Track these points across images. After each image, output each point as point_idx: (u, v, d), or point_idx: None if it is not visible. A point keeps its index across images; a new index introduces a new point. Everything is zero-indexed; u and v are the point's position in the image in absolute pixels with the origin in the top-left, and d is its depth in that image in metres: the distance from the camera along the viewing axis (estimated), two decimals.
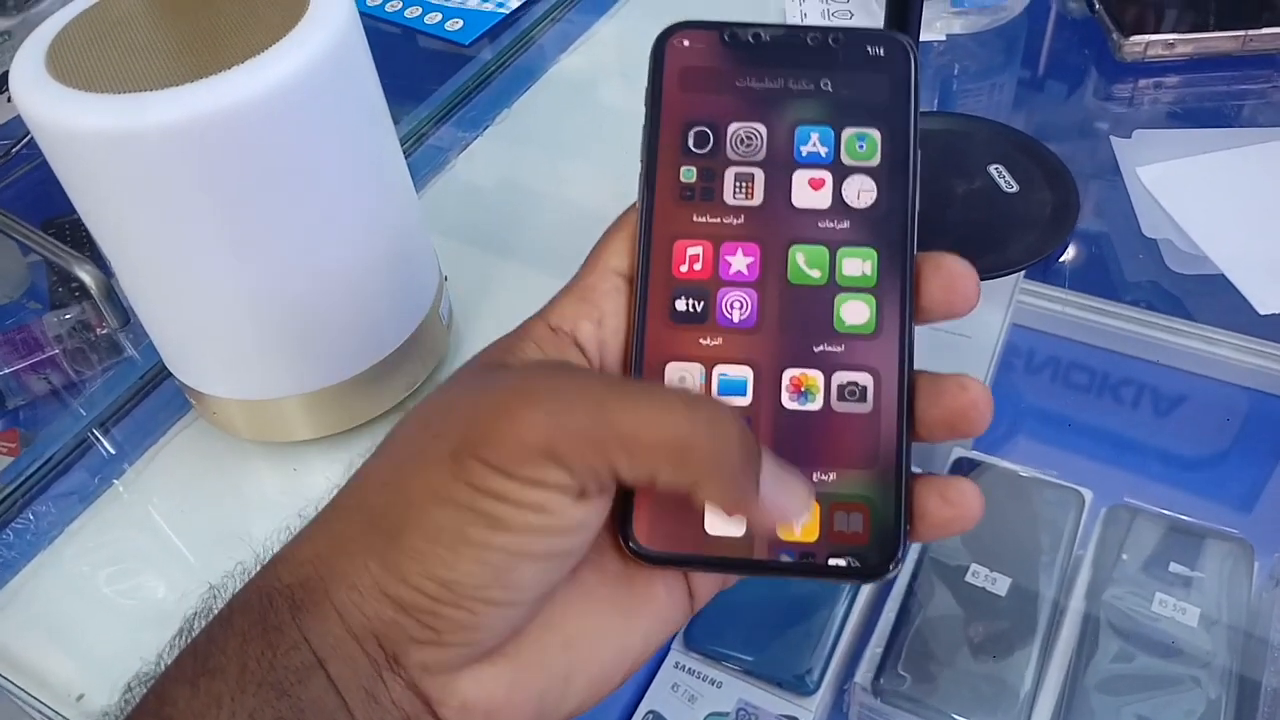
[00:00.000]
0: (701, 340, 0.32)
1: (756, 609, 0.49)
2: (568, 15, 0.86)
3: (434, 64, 0.83)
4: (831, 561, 0.30)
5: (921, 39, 0.55)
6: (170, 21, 0.43)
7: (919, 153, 0.33)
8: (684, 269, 0.32)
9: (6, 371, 0.63)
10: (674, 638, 0.49)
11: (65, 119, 0.40)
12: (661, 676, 0.47)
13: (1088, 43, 0.79)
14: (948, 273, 0.32)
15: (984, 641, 0.46)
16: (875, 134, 0.33)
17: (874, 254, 0.32)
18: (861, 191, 0.32)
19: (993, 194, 0.65)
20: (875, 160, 0.32)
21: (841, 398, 0.31)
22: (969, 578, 0.48)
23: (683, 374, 0.32)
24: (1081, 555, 0.49)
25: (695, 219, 0.32)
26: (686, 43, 0.33)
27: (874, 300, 0.32)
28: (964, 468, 0.51)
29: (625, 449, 0.27)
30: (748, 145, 0.33)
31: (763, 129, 0.33)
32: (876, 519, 0.30)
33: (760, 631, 0.48)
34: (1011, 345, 0.59)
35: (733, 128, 0.33)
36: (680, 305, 0.32)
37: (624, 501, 0.30)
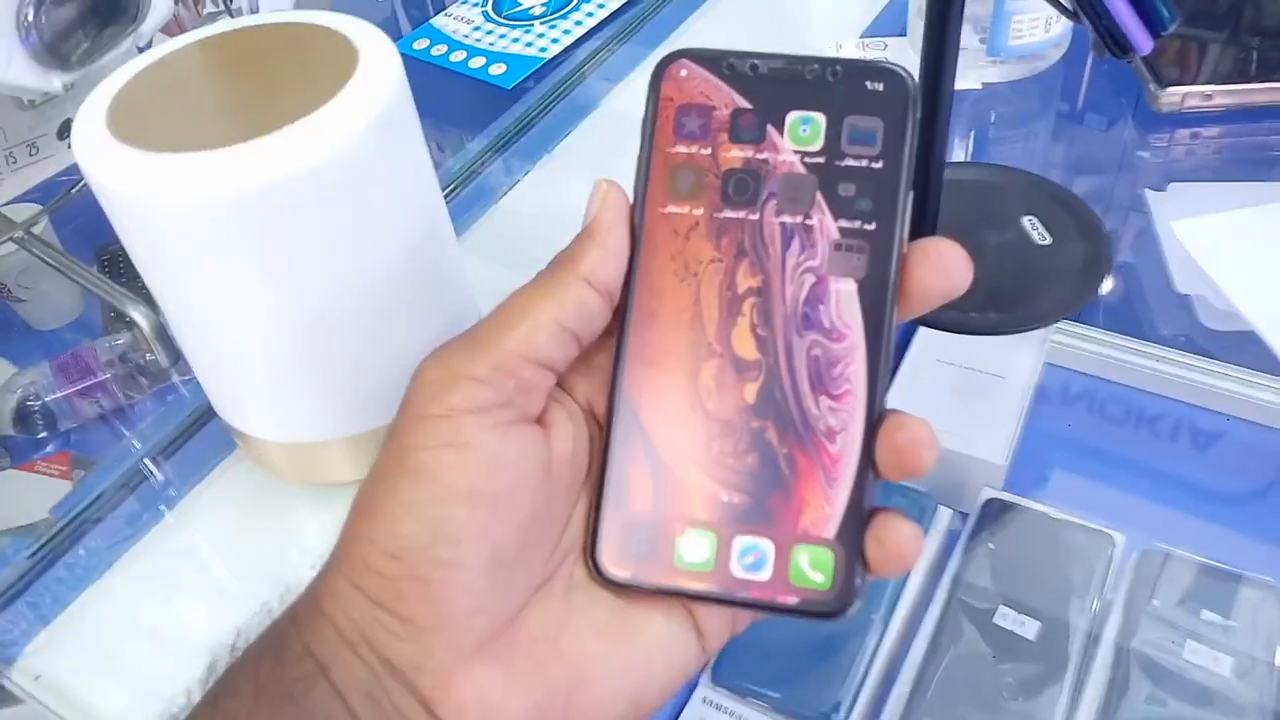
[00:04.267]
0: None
1: (784, 644, 0.48)
2: (619, 50, 0.87)
3: (484, 100, 0.84)
4: (790, 600, 0.31)
5: (958, 87, 0.55)
6: (226, 79, 0.44)
7: (911, 195, 0.32)
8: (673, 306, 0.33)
9: (59, 395, 0.65)
10: (700, 675, 0.49)
11: (122, 181, 0.40)
12: (688, 712, 0.47)
13: (1125, 92, 0.79)
14: (937, 255, 0.32)
15: (1012, 684, 0.46)
16: (867, 174, 0.32)
17: (856, 303, 0.32)
18: (849, 236, 0.32)
19: (1025, 246, 0.65)
20: (866, 205, 0.32)
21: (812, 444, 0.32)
22: (997, 619, 0.47)
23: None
24: (1112, 600, 0.48)
25: (684, 250, 0.33)
26: (684, 72, 0.33)
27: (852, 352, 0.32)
28: (994, 509, 0.51)
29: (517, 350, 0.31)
30: (740, 184, 0.33)
31: (756, 164, 0.33)
32: (836, 558, 0.31)
33: (788, 667, 0.48)
34: (1046, 385, 0.59)
35: (726, 163, 0.33)
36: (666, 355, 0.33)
37: (592, 523, 0.32)
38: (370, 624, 0.30)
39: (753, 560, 0.31)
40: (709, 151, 0.33)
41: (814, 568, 0.31)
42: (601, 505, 0.32)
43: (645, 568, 0.32)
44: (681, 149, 0.33)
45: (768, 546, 0.31)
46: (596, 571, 0.32)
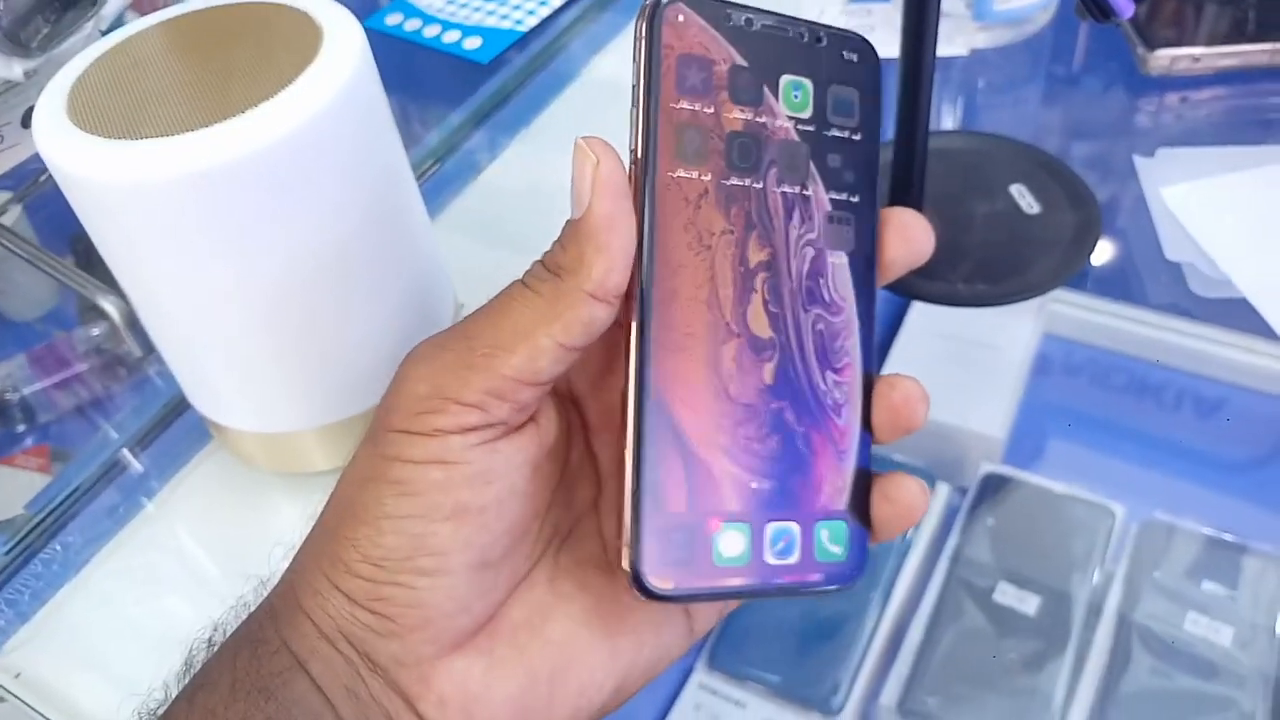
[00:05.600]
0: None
1: (781, 627, 0.48)
2: (600, 19, 0.86)
3: (460, 75, 0.83)
4: (816, 577, 0.31)
5: (944, 53, 0.54)
6: (186, 63, 0.43)
7: (878, 168, 0.33)
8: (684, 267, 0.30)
9: (37, 388, 0.64)
10: (693, 658, 0.48)
11: (82, 168, 0.40)
12: (684, 697, 0.47)
13: (1114, 55, 0.78)
14: (901, 224, 0.32)
15: (1012, 661, 0.45)
16: (850, 145, 0.32)
17: (848, 275, 0.32)
18: (839, 208, 0.32)
19: (1014, 215, 0.64)
20: (850, 177, 0.32)
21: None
22: (996, 596, 0.47)
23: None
24: (1113, 572, 0.48)
25: (696, 219, 0.30)
26: (682, 18, 0.30)
27: (849, 324, 0.32)
28: (993, 484, 0.51)
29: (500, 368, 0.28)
30: (743, 149, 0.31)
31: (756, 127, 0.31)
32: (849, 528, 0.31)
33: (785, 651, 0.47)
34: (1044, 355, 0.58)
35: (729, 124, 0.30)
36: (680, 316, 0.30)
37: (633, 537, 0.29)
38: (349, 621, 0.29)
39: (783, 545, 0.30)
40: (712, 110, 0.30)
41: (832, 541, 0.31)
42: (640, 514, 0.29)
43: (686, 573, 0.29)
44: (685, 105, 0.30)
45: (795, 529, 0.31)
46: (641, 590, 0.29)
